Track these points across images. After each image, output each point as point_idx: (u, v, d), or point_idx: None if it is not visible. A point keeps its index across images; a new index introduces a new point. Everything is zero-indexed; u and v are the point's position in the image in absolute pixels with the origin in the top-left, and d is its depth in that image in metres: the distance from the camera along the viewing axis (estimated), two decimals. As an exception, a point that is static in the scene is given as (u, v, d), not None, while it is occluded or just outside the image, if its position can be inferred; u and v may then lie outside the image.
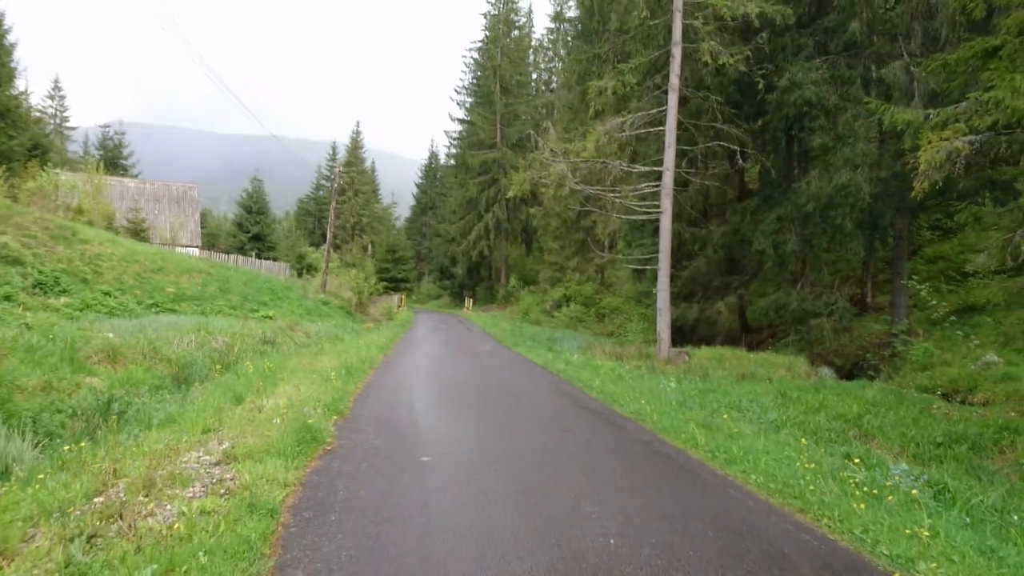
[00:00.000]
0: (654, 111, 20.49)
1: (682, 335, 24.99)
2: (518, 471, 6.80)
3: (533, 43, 73.23)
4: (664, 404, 10.48)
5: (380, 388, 12.08)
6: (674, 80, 19.71)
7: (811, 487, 5.65)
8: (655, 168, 20.35)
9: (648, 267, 25.16)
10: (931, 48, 18.27)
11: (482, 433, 8.78)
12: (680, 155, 21.08)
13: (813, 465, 6.30)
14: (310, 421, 7.68)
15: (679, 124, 20.36)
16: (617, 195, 20.30)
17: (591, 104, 20.86)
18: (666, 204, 19.93)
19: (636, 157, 21.96)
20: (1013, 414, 10.02)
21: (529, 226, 59.76)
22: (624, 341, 29.27)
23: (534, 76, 74.00)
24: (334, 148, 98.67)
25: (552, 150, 20.10)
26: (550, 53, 74.27)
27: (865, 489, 5.51)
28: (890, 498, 5.26)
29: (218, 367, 12.22)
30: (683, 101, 20.91)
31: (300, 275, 40.19)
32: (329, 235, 34.27)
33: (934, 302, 19.91)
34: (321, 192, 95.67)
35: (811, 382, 14.33)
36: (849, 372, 20.65)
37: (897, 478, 5.78)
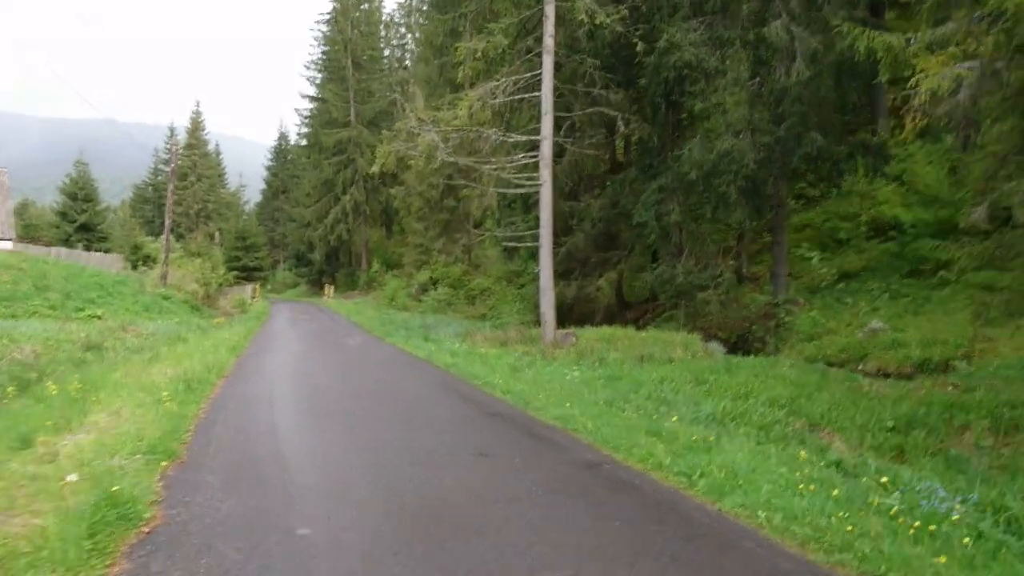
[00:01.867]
0: (528, 75, 18.92)
1: (560, 314, 23.74)
2: (447, 545, 4.48)
3: (384, 18, 70.25)
4: (590, 404, 8.82)
5: (232, 406, 9.33)
6: (548, 41, 18.21)
7: (849, 527, 4.20)
8: (532, 137, 18.83)
9: (522, 244, 23.76)
10: (809, 6, 17.76)
11: (377, 470, 6.33)
12: (557, 123, 19.67)
13: (833, 491, 4.86)
14: (115, 488, 4.74)
15: (555, 90, 18.92)
16: (493, 166, 18.63)
17: (462, 68, 19.03)
18: (545, 175, 18.47)
19: (511, 127, 20.35)
20: (951, 388, 9.25)
21: (390, 207, 57.20)
22: (501, 324, 27.79)
23: (386, 52, 71.05)
24: (172, 130, 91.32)
25: (420, 118, 18.12)
26: (402, 30, 71.61)
27: (918, 525, 4.16)
28: (965, 540, 3.93)
29: (11, 388, 9.32)
30: (558, 67, 19.46)
31: (136, 267, 35.97)
32: (167, 221, 30.55)
33: (824, 269, 19.65)
34: (160, 178, 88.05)
35: (718, 362, 13.33)
36: (735, 345, 20.12)
37: (939, 500, 4.51)
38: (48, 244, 41.90)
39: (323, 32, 61.90)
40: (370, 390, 11.26)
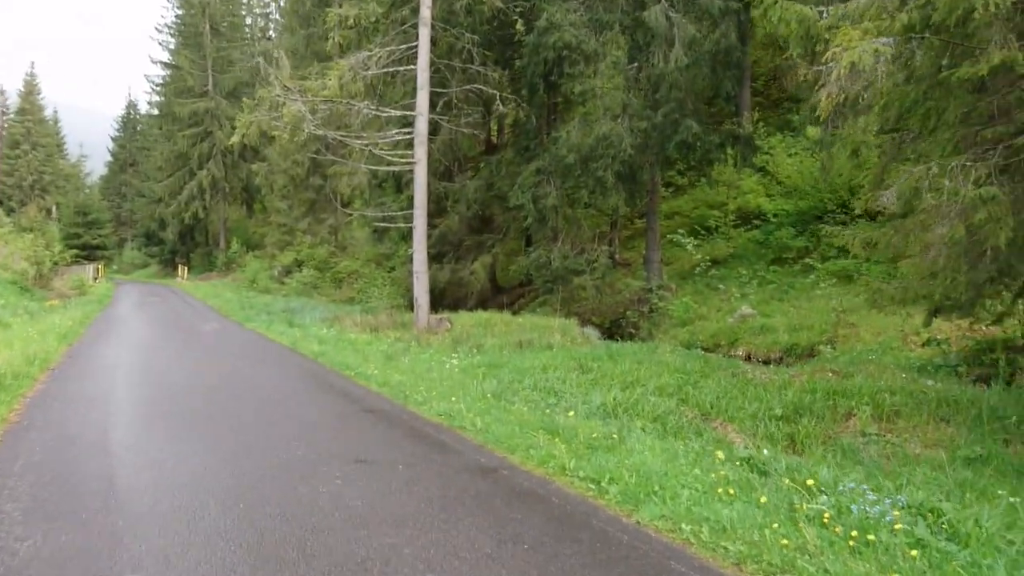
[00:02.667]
0: (403, 47, 17.97)
1: (433, 298, 22.98)
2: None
3: (248, -15, 66.29)
4: (476, 397, 8.14)
5: (55, 409, 7.85)
6: (425, 13, 17.34)
7: (784, 540, 3.73)
8: (407, 112, 17.93)
9: (393, 226, 22.83)
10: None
11: (234, 489, 5.19)
12: (433, 101, 18.86)
13: (756, 495, 4.41)
14: None
15: (431, 65, 18.10)
16: (365, 142, 17.60)
17: (331, 36, 17.81)
18: (420, 153, 17.65)
19: (384, 101, 19.32)
20: (831, 375, 9.30)
21: (251, 185, 54.12)
22: (371, 308, 26.70)
23: (248, 21, 67.20)
24: (3, 92, 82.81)
25: (286, 87, 16.78)
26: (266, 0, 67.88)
27: (855, 535, 3.77)
28: (912, 552, 3.56)
29: None
30: (434, 41, 18.63)
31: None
32: (-8, 192, 27.12)
33: (699, 256, 19.90)
34: (-13, 145, 79.90)
35: (598, 348, 13.06)
36: (610, 330, 20.14)
37: (869, 504, 4.18)
38: None
39: (177, -7, 57.51)
40: (228, 385, 9.94)
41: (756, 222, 22.92)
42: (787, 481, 4.69)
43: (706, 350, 16.32)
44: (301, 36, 44.34)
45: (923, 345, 12.86)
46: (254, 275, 39.53)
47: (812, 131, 23.29)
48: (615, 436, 5.99)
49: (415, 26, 17.90)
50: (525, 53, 19.32)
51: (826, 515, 4.10)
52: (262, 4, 68.25)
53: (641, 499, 4.61)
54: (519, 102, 19.52)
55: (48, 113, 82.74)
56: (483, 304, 24.95)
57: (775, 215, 22.62)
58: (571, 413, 6.78)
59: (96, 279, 43.59)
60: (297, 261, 38.47)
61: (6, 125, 77.36)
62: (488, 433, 6.67)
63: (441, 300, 24.83)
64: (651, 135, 18.10)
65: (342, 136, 17.48)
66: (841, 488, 4.51)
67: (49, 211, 55.84)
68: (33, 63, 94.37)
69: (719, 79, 18.42)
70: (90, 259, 51.41)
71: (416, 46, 17.75)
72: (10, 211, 55.07)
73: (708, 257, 20.06)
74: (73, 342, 13.27)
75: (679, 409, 7.72)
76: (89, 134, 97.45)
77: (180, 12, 58.17)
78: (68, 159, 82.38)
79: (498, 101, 18.27)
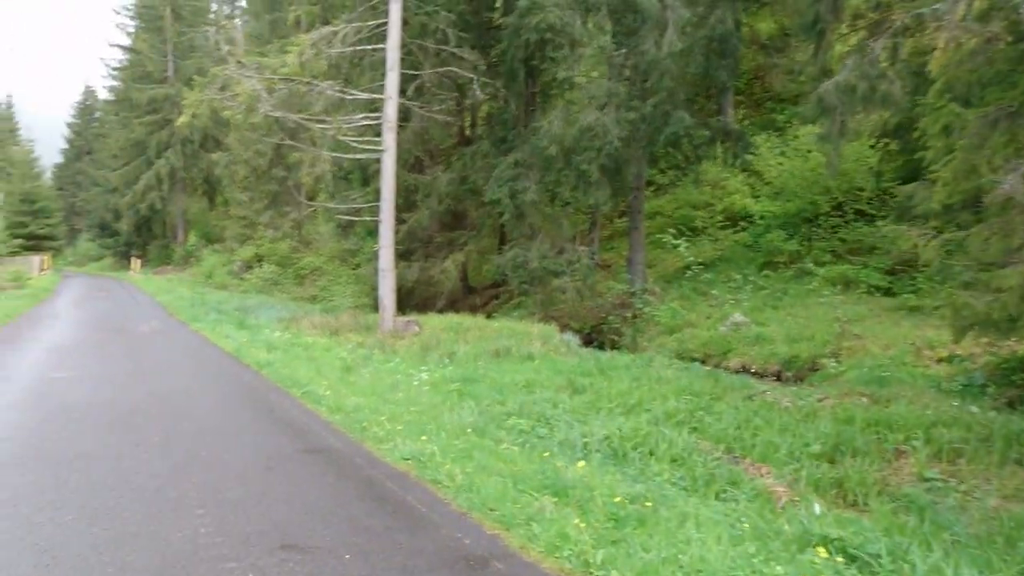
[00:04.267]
0: (372, 23, 16.41)
1: (400, 299, 21.39)
2: None
3: (213, -29, 63.83)
4: (452, 431, 6.47)
5: None
6: (397, -13, 15.82)
7: None
8: (375, 96, 16.37)
9: (359, 219, 21.25)
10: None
11: None
12: (404, 85, 17.32)
13: None
14: None
15: (403, 46, 16.56)
16: (328, 127, 16.00)
17: (293, 9, 16.15)
18: (389, 140, 16.11)
19: (349, 84, 17.71)
20: (864, 399, 8.00)
21: (212, 175, 51.83)
22: (333, 308, 25.05)
23: (214, 7, 64.80)
24: (-49, 74, 79.20)
25: (240, 62, 15.13)
26: (232, -16, 65.44)
27: None
28: None
29: None
30: (406, 21, 17.09)
31: None
32: (-81, 174, 24.86)
33: (691, 258, 18.60)
34: (-68, 129, 76.43)
35: (586, 360, 11.65)
36: (590, 337, 18.78)
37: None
38: None
39: (139, -26, 54.94)
40: (138, 411, 7.79)
41: (743, 224, 21.74)
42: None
43: (696, 360, 15.05)
44: (266, 21, 42.50)
45: (940, 361, 11.70)
46: (211, 270, 37.57)
47: (804, 130, 22.26)
48: (647, 502, 4.54)
49: (385, 1, 16.36)
50: (504, 36, 17.91)
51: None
52: (228, -10, 65.94)
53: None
54: (497, 88, 18.04)
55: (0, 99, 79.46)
56: (454, 305, 23.47)
57: (762, 217, 21.47)
58: (580, 464, 5.29)
59: (43, 271, 41.17)
60: (257, 256, 36.60)
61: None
62: (472, 492, 4.97)
63: (409, 300, 23.29)
64: (639, 127, 16.79)
65: (302, 119, 15.86)
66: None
67: (-4, 199, 52.99)
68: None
69: (713, 68, 17.13)
70: (37, 250, 48.80)
71: (386, 23, 16.21)
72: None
73: (696, 260, 18.78)
74: None
75: (697, 444, 6.34)
76: (47, 121, 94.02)
77: (141, -7, 55.64)
78: (23, 147, 78.95)
79: (475, 86, 16.77)
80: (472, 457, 5.50)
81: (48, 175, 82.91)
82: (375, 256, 24.75)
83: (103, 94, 71.56)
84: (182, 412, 7.83)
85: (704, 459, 5.82)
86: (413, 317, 17.00)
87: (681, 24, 15.66)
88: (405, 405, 7.69)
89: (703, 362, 14.93)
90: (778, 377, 13.91)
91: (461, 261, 21.45)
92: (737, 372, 14.28)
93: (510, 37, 17.51)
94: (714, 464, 5.74)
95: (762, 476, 5.79)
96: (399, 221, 20.03)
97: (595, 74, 17.83)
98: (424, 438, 6.20)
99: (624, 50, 17.30)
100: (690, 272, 18.87)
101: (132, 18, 56.41)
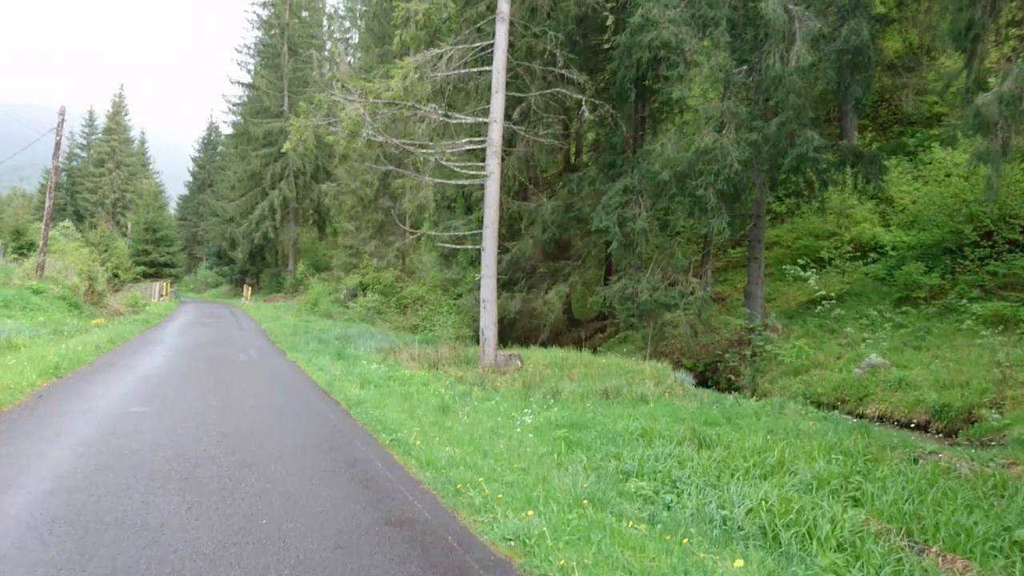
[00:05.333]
0: (478, 46, 15.88)
1: (501, 330, 20.71)
2: None
3: (328, 10, 66.21)
4: (563, 500, 5.32)
5: None
6: (503, 7, 15.21)
7: None
8: (480, 119, 15.76)
9: (460, 247, 20.66)
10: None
11: None
12: (508, 108, 16.68)
13: None
14: None
15: (508, 68, 15.93)
16: (431, 151, 15.47)
17: (399, 34, 15.79)
18: (492, 165, 15.44)
19: (453, 108, 17.21)
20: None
21: (322, 206, 53.21)
22: (433, 338, 24.55)
23: (328, 45, 67.11)
24: (91, 113, 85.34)
25: (345, 86, 14.84)
26: (346, 23, 67.71)
27: None
28: None
29: None
30: (512, 45, 16.50)
31: (23, 256, 31.31)
32: (48, 202, 26.08)
33: (821, 291, 17.03)
34: (75, 163, 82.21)
35: (707, 405, 10.40)
36: (703, 375, 17.42)
37: None
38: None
39: (258, 15, 57.53)
40: (210, 458, 6.82)
41: (872, 255, 19.85)
42: None
43: (823, 406, 13.48)
44: (375, 55, 43.23)
45: None
46: (316, 298, 38.04)
47: (940, 153, 20.27)
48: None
49: (492, 22, 15.80)
50: (615, 55, 17.04)
51: None
52: (342, 29, 68.16)
53: None
54: (606, 111, 17.11)
55: (135, 134, 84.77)
56: (556, 338, 22.53)
57: (894, 247, 19.55)
58: (738, 563, 4.15)
59: (161, 297, 42.85)
60: (362, 284, 36.80)
61: (89, 143, 79.34)
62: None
63: (510, 332, 22.52)
64: (761, 149, 15.47)
65: (405, 144, 15.39)
66: None
67: (125, 228, 55.90)
68: (123, 85, 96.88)
69: (845, 83, 15.67)
70: (158, 276, 51.04)
71: (492, 44, 15.64)
72: (93, 227, 55.23)
73: (824, 293, 17.14)
74: (66, 373, 10.95)
75: (866, 524, 5.09)
76: (177, 156, 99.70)
77: (260, 33, 58.23)
78: (155, 179, 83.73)
79: (583, 108, 15.89)
80: (590, 540, 4.37)
81: (173, 206, 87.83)
82: (476, 286, 24.22)
83: (225, 128, 75.42)
84: (252, 462, 6.79)
85: (879, 546, 4.59)
86: (515, 351, 16.13)
87: (809, 36, 14.33)
88: (507, 459, 6.67)
89: (834, 408, 13.36)
90: (926, 428, 12.22)
91: (566, 292, 20.50)
92: (877, 421, 12.67)
93: (621, 57, 16.63)
94: (894, 554, 4.50)
95: (955, 568, 4.50)
96: (501, 250, 19.32)
97: (713, 93, 16.65)
98: (530, 512, 5.13)
99: (744, 67, 16.09)
100: (818, 307, 17.22)
101: (252, 56, 59.08)
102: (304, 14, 59.64)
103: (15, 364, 9.98)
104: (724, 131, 15.45)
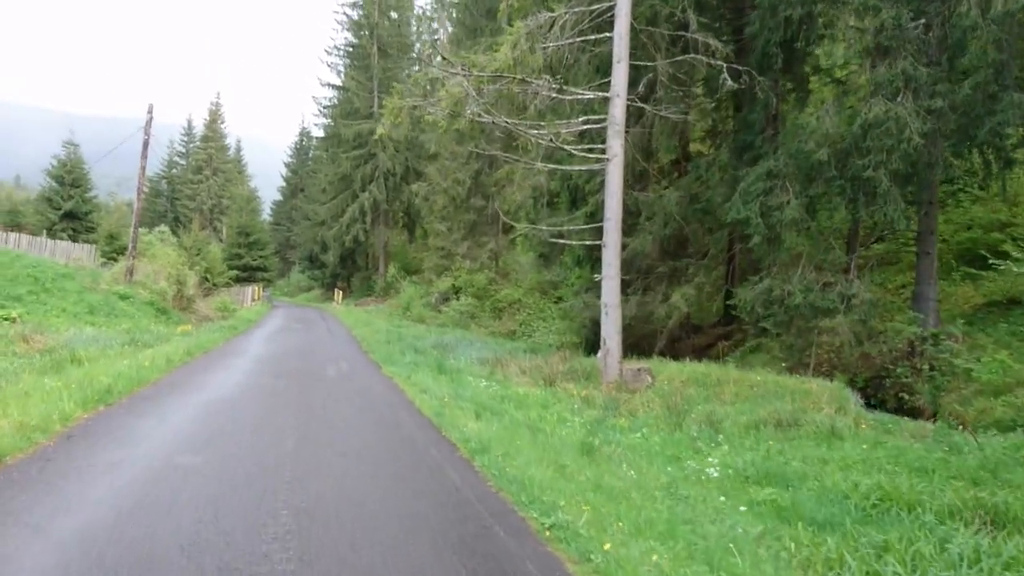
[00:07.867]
0: (596, 7, 13.61)
1: (614, 338, 18.28)
2: None
3: (416, 10, 65.35)
4: None
5: None
6: (626, -38, 12.94)
7: None
8: (600, 93, 13.48)
9: (566, 242, 18.43)
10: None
11: None
12: (632, 81, 14.32)
13: None
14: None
15: (631, 33, 13.60)
16: (543, 132, 13.30)
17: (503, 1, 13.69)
18: (615, 147, 13.16)
19: (566, 84, 14.98)
20: None
21: (412, 208, 52.09)
22: (535, 345, 22.39)
23: (417, 46, 66.24)
24: (189, 122, 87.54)
25: (445, 58, 12.84)
26: (435, 24, 66.67)
27: None
28: None
29: None
30: (634, 10, 14.15)
31: (115, 260, 30.91)
32: (136, 204, 25.29)
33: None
34: (174, 171, 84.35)
35: (933, 447, 7.77)
36: (864, 392, 14.59)
37: None
38: (32, 233, 37.16)
39: (348, 16, 56.95)
40: (277, 569, 4.24)
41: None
42: None
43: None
44: (467, 48, 41.58)
45: None
46: (408, 302, 36.55)
47: None
48: None
49: (612, -19, 13.53)
50: (753, 18, 14.47)
51: None
52: (431, 30, 67.18)
53: None
54: (744, 81, 14.51)
55: (231, 141, 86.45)
56: (673, 346, 20.00)
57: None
58: None
59: (253, 301, 42.30)
60: (455, 287, 35.09)
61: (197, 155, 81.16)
62: None
63: (624, 340, 20.15)
64: (949, 118, 12.61)
65: (514, 125, 13.26)
66: None
67: (220, 232, 56.20)
68: (219, 93, 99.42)
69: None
70: (250, 280, 50.83)
71: (612, 7, 13.36)
72: (188, 232, 55.85)
73: (995, 294, 14.13)
74: (119, 399, 8.68)
75: None
76: (270, 162, 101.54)
77: (349, 35, 57.70)
78: (249, 186, 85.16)
79: (724, 75, 13.39)
80: None
81: (267, 212, 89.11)
82: (582, 289, 21.85)
83: (316, 132, 75.72)
84: (343, 558, 4.34)
85: None
86: (643, 364, 13.79)
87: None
88: (706, 551, 4.25)
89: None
90: None
91: (692, 295, 17.95)
92: None
93: (763, 17, 14.06)
94: None
95: None
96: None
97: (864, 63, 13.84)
98: None
99: (920, 20, 13.23)
100: (1014, 310, 14.18)
101: (341, 57, 58.61)
102: (393, 15, 58.73)
103: (56, 389, 8.08)
104: (900, 98, 12.67)
